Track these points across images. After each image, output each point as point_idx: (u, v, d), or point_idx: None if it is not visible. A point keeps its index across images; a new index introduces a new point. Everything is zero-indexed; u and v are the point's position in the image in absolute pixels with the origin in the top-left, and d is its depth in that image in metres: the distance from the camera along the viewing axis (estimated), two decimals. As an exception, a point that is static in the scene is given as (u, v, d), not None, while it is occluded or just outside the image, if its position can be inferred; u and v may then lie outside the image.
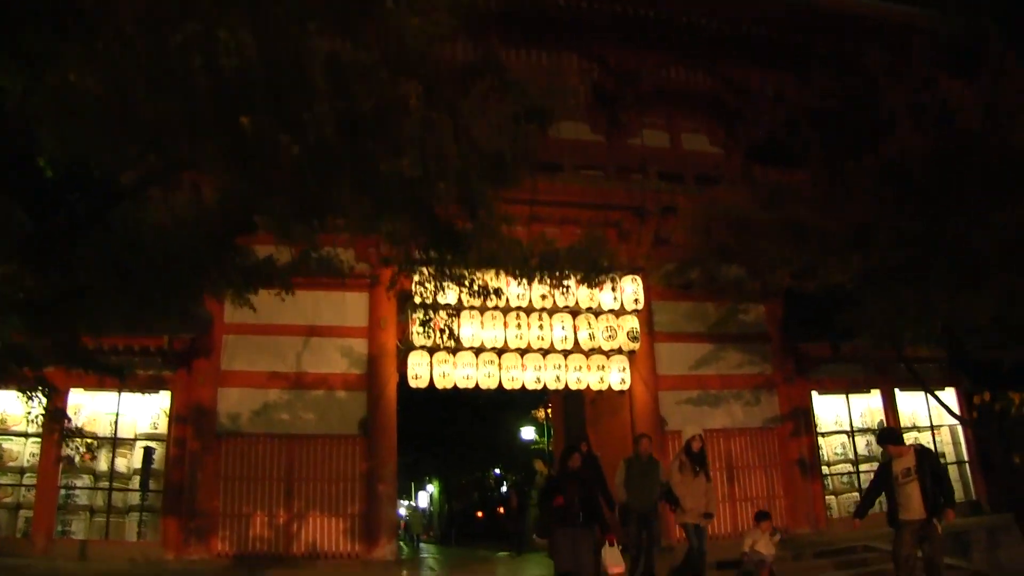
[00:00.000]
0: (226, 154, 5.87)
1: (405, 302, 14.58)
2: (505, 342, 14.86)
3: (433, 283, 9.39)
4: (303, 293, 15.08)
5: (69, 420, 11.59)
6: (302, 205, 6.85)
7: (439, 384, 14.78)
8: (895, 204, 11.73)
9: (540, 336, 14.93)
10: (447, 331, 10.85)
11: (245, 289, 9.19)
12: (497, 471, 45.34)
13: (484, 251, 8.38)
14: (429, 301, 10.14)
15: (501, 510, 39.54)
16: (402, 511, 44.18)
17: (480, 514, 45.42)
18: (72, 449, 14.11)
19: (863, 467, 18.23)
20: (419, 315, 11.24)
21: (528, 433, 35.33)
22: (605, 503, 12.05)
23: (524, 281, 12.65)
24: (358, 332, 15.96)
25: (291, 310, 15.17)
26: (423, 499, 57.25)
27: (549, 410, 28.84)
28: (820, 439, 18.08)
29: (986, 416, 17.98)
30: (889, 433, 11.50)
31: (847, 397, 18.72)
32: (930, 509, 10.00)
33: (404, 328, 15.13)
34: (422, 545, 37.26)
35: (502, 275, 13.08)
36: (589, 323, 15.24)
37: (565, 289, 13.66)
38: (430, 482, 54.73)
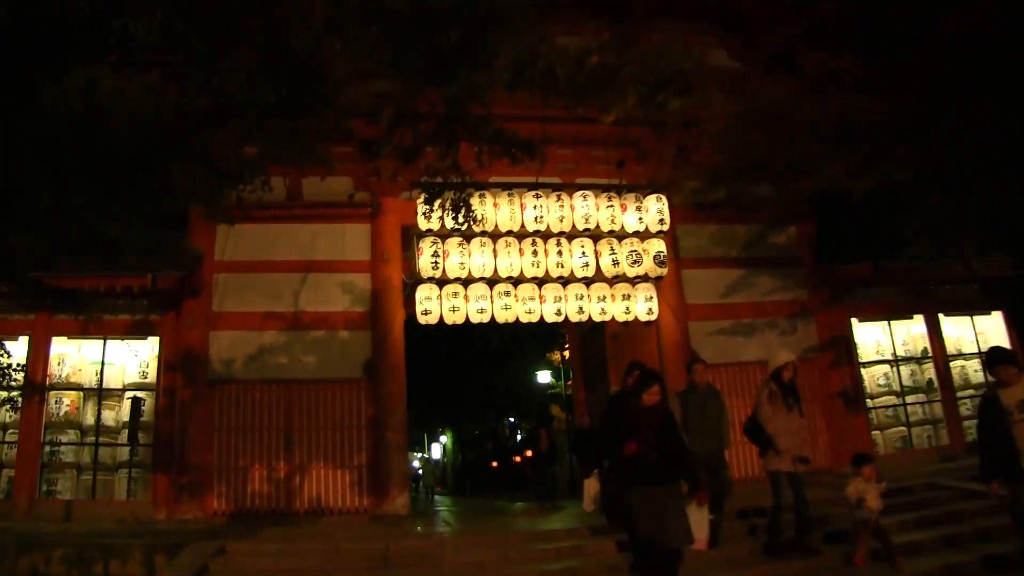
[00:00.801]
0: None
1: (410, 233, 13.33)
2: (521, 271, 13.25)
3: (446, 134, 7.76)
4: (299, 226, 14.62)
5: (9, 354, 10.15)
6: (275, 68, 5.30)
7: (449, 320, 13.16)
8: (963, 87, 9.96)
9: (559, 263, 13.29)
10: (463, 208, 8.93)
11: (216, 194, 7.56)
12: (512, 419, 44.13)
13: (513, 59, 6.69)
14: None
15: (517, 459, 38.28)
16: (415, 463, 43.32)
17: (495, 464, 44.46)
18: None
19: (909, 399, 16.82)
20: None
21: (543, 377, 33.81)
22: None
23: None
24: (360, 266, 14.69)
25: (287, 245, 14.50)
26: (436, 451, 56.19)
27: (566, 352, 27.47)
28: (861, 370, 16.51)
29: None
30: (1001, 354, 8.66)
31: (888, 323, 17.18)
32: None
33: (410, 262, 13.78)
34: (436, 497, 36.04)
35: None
36: (612, 248, 13.61)
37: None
38: (443, 433, 53.59)
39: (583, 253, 13.40)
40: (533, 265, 13.19)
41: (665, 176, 14.84)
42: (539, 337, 28.23)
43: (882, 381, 16.84)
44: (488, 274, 13.16)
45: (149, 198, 7.06)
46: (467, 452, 49.52)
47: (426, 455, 53.93)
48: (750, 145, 12.47)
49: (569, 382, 27.03)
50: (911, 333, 17.41)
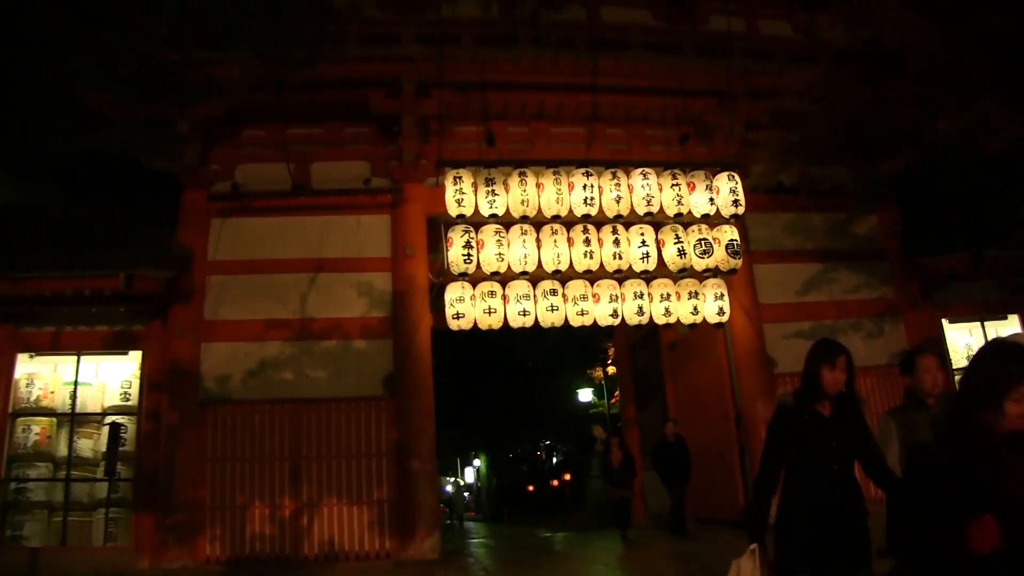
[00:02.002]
0: None
1: (437, 224, 11.02)
2: (570, 264, 10.51)
3: None
4: (307, 219, 12.28)
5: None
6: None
7: (484, 324, 10.47)
8: None
9: (616, 254, 10.52)
10: None
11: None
12: (548, 441, 41.99)
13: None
14: None
15: (555, 482, 36.09)
16: (448, 488, 41.30)
17: (531, 488, 42.54)
18: None
19: (1009, 409, 13.92)
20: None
21: (585, 396, 31.21)
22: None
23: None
24: (379, 264, 12.26)
25: (293, 241, 12.25)
26: (469, 475, 53.85)
27: (609, 368, 25.07)
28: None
29: None
30: None
31: (982, 324, 14.42)
32: None
33: (438, 261, 11.33)
34: (468, 524, 33.38)
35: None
36: (677, 235, 10.84)
37: None
38: (476, 457, 51.10)
39: (643, 242, 10.63)
40: (585, 255, 10.43)
41: (732, 156, 12.40)
42: (585, 341, 25.57)
43: (977, 391, 14.04)
44: (531, 268, 10.43)
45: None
46: (502, 476, 47.31)
47: (459, 479, 51.66)
48: (847, 103, 9.90)
49: (613, 399, 24.79)
50: (999, 335, 14.61)
